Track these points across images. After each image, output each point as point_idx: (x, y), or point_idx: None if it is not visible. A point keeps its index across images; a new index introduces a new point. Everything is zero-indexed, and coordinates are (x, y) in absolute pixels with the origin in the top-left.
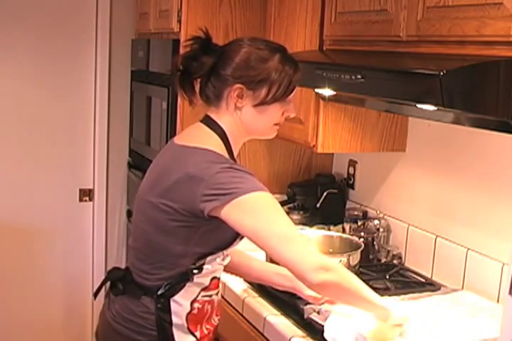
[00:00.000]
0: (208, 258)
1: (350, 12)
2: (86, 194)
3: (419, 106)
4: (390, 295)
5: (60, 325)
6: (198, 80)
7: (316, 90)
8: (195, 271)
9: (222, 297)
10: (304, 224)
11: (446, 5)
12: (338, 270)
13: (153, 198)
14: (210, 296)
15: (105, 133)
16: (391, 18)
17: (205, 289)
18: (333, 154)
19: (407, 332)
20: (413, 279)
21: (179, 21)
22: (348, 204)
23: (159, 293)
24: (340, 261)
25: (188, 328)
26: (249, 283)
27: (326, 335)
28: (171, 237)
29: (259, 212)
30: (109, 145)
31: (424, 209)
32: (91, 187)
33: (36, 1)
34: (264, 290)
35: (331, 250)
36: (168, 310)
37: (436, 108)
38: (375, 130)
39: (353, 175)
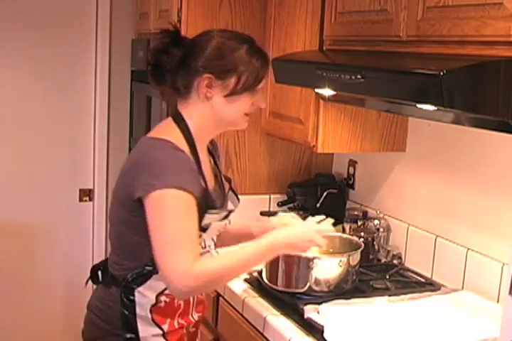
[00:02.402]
0: None
1: (350, 12)
2: (86, 194)
3: (419, 106)
4: (390, 295)
5: (60, 324)
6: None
7: (316, 90)
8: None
9: (223, 297)
10: None
11: (446, 5)
12: (205, 274)
13: (115, 190)
14: None
15: (105, 133)
16: (391, 18)
17: None
18: (333, 154)
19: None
20: (413, 279)
21: (179, 21)
22: (348, 204)
23: (124, 283)
24: (340, 260)
25: (153, 320)
26: (249, 283)
27: (326, 335)
28: (127, 227)
29: (162, 211)
30: (109, 145)
31: (424, 209)
32: (91, 187)
33: (36, 1)
34: (264, 290)
35: (331, 250)
36: (132, 301)
37: (436, 108)
38: (375, 130)
39: (353, 175)
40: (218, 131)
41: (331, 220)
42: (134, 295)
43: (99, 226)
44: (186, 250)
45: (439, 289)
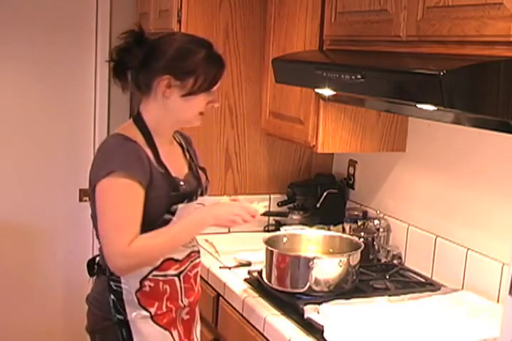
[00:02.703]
0: None
1: (350, 12)
2: (86, 194)
3: (419, 106)
4: (390, 295)
5: (60, 324)
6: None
7: (316, 90)
8: None
9: (223, 297)
10: (304, 224)
11: (446, 5)
12: (139, 252)
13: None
14: (166, 276)
15: (105, 133)
16: (391, 18)
17: (156, 269)
18: (333, 154)
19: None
20: (413, 279)
21: (179, 21)
22: (348, 204)
23: (109, 271)
24: (340, 260)
25: (140, 304)
26: (249, 283)
27: (326, 335)
28: (95, 216)
29: (103, 197)
30: None
31: (424, 209)
32: None
33: (37, 1)
34: (264, 290)
35: (331, 250)
36: (119, 287)
37: (436, 108)
38: (375, 130)
39: (353, 175)
40: (176, 127)
41: (264, 203)
42: (119, 282)
43: None
44: (122, 233)
45: (439, 289)
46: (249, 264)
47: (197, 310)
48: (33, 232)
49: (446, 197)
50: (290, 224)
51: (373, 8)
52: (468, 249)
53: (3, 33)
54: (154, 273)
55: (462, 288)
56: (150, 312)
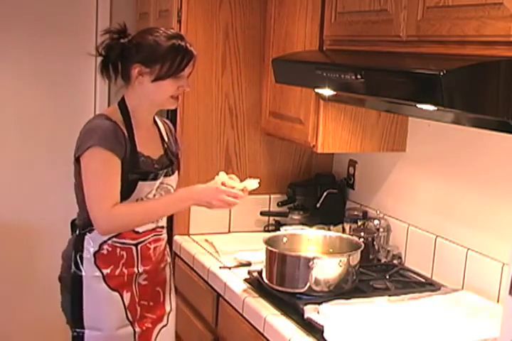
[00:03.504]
0: None
1: (350, 12)
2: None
3: (419, 106)
4: (390, 295)
5: (60, 324)
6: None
7: (316, 90)
8: None
9: (222, 297)
10: (303, 224)
11: (446, 5)
12: (123, 215)
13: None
14: (124, 243)
15: None
16: (391, 18)
17: (115, 236)
18: (333, 154)
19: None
20: (413, 279)
21: (179, 21)
22: (348, 204)
23: (78, 230)
24: (340, 260)
25: (95, 263)
26: (249, 283)
27: (326, 335)
28: (76, 185)
29: (87, 167)
30: None
31: (424, 209)
32: None
33: (36, 1)
34: (264, 290)
35: (331, 250)
36: (81, 244)
37: (436, 108)
38: (375, 130)
39: (353, 175)
40: (153, 110)
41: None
42: (83, 241)
43: None
44: (105, 198)
45: (439, 289)
46: (249, 264)
47: (166, 277)
48: (33, 232)
49: (446, 197)
50: (290, 224)
51: (373, 8)
52: (468, 249)
53: (3, 32)
54: (113, 239)
55: (462, 288)
56: (102, 273)
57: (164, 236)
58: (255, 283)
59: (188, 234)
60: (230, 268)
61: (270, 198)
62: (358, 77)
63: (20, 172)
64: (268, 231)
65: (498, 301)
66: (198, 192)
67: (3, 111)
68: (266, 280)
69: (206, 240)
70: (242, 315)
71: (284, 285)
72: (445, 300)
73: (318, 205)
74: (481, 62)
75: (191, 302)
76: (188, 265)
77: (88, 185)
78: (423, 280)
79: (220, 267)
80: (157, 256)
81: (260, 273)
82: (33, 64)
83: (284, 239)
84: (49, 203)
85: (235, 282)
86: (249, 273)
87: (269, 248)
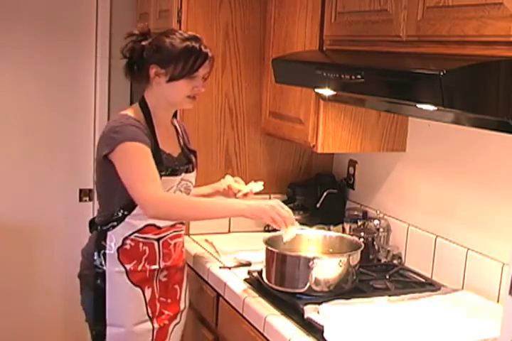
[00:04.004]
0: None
1: (350, 12)
2: (86, 194)
3: (419, 106)
4: (390, 295)
5: (60, 324)
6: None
7: (316, 90)
8: (125, 213)
9: (222, 297)
10: (303, 224)
11: (446, 5)
12: (173, 202)
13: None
14: (146, 238)
15: None
16: (391, 18)
17: (138, 231)
18: (333, 154)
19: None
20: (413, 279)
21: (179, 21)
22: (348, 204)
23: (100, 228)
24: (340, 260)
25: (119, 259)
26: (249, 283)
27: (326, 335)
28: (100, 183)
29: (126, 157)
30: None
31: (424, 209)
32: (91, 187)
33: (36, 2)
34: (264, 290)
35: (331, 250)
36: (104, 241)
37: (436, 108)
38: (375, 130)
39: (353, 175)
40: (171, 109)
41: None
42: (106, 237)
43: None
44: (152, 182)
45: (439, 289)
46: (249, 264)
47: (183, 276)
48: (33, 232)
49: (447, 197)
50: None
51: (373, 8)
52: (468, 249)
53: (4, 32)
54: (136, 234)
55: (462, 288)
56: (126, 269)
57: (183, 233)
58: (255, 283)
59: (188, 234)
60: (230, 268)
61: (270, 198)
62: (358, 77)
63: (20, 172)
64: (268, 231)
65: (498, 301)
66: (259, 210)
67: (4, 111)
68: (266, 280)
69: (206, 240)
70: (242, 315)
71: (284, 285)
72: (445, 300)
73: (318, 205)
74: (481, 62)
75: (191, 302)
76: (188, 265)
77: (129, 175)
78: (423, 280)
79: (220, 267)
80: (177, 252)
81: (260, 273)
82: (33, 64)
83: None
84: (49, 203)
85: (235, 282)
86: (249, 273)
87: (269, 248)
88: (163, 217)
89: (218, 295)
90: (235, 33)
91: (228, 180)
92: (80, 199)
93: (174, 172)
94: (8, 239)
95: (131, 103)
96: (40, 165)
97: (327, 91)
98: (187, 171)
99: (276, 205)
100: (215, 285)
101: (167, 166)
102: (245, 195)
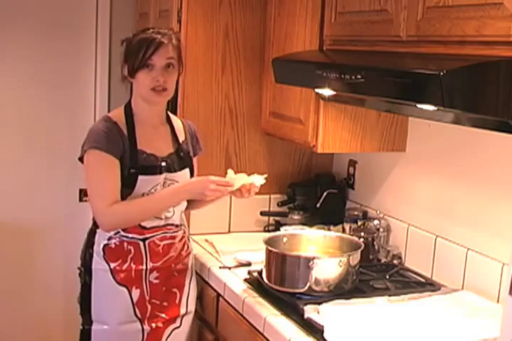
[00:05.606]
0: None
1: (350, 12)
2: (86, 194)
3: (419, 106)
4: (390, 295)
5: (60, 324)
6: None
7: (316, 90)
8: None
9: (222, 297)
10: (303, 224)
11: (446, 5)
12: (119, 211)
13: None
14: (130, 238)
15: None
16: (391, 18)
17: (124, 231)
18: (333, 154)
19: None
20: (413, 279)
21: (179, 21)
22: (348, 204)
23: (92, 226)
24: (340, 260)
25: (104, 257)
26: (249, 283)
27: (326, 335)
28: (85, 181)
29: (86, 168)
30: None
31: (424, 209)
32: None
33: (36, 2)
34: (264, 290)
35: (331, 250)
36: (93, 239)
37: (436, 108)
38: (375, 130)
39: (353, 175)
40: (146, 105)
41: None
42: (95, 235)
43: None
44: (101, 196)
45: (439, 289)
46: (249, 264)
47: (184, 280)
48: (33, 232)
49: (446, 197)
50: (290, 224)
51: (373, 8)
52: (468, 249)
53: (4, 32)
54: (121, 233)
55: (462, 288)
56: (110, 267)
57: (179, 235)
58: (255, 283)
59: (188, 234)
60: (230, 268)
61: (270, 198)
62: (358, 77)
63: (20, 172)
64: (268, 231)
65: (498, 301)
66: (191, 184)
67: (4, 111)
68: (266, 280)
69: (206, 240)
70: (242, 315)
71: (284, 285)
72: (445, 300)
73: (318, 205)
74: (480, 62)
75: None
76: None
77: (88, 186)
78: (423, 280)
79: (220, 267)
80: (169, 254)
81: (260, 273)
82: (33, 64)
83: (284, 239)
84: (49, 203)
85: (235, 282)
86: (249, 273)
87: (269, 248)
88: (119, 227)
89: (218, 295)
90: (235, 33)
91: (230, 174)
92: (80, 200)
93: (153, 171)
94: (8, 239)
95: None
96: (40, 165)
97: (327, 92)
98: (169, 170)
99: (209, 182)
100: (215, 285)
101: (143, 165)
102: (248, 190)
